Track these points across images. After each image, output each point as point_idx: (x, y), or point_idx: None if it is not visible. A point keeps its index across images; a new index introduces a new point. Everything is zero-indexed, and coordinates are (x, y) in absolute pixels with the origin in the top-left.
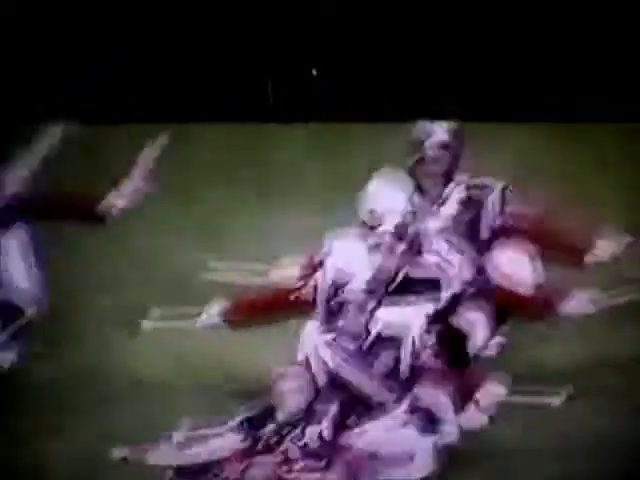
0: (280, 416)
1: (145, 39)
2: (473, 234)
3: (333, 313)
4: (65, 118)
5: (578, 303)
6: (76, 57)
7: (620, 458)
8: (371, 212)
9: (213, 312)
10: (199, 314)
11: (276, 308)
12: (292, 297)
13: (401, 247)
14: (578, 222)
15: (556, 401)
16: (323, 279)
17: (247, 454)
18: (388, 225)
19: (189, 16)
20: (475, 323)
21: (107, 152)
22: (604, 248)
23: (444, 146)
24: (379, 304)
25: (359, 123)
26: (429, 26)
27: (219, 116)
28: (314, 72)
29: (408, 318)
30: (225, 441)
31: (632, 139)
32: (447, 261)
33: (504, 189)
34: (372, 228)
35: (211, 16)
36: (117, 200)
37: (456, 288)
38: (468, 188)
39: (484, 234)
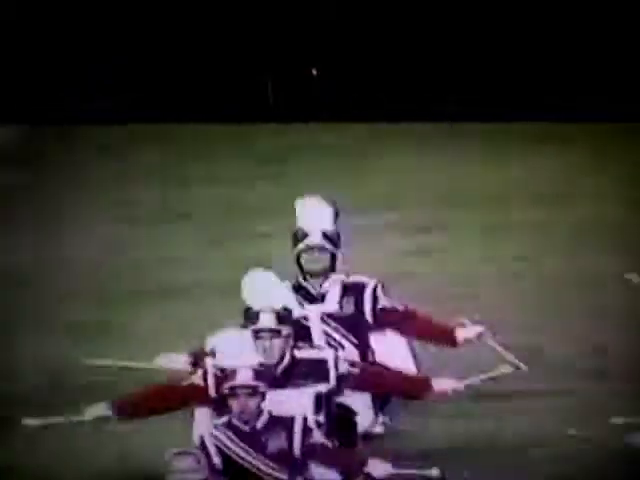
0: None
1: (145, 39)
2: (355, 322)
3: (225, 397)
4: (65, 118)
5: (449, 382)
6: (76, 57)
7: None
8: (248, 309)
9: (99, 409)
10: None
11: (169, 397)
12: (184, 383)
13: (286, 331)
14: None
15: (435, 474)
16: (211, 365)
17: None
18: (266, 320)
19: (189, 17)
20: (361, 403)
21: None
22: (470, 329)
23: (321, 248)
24: (269, 386)
25: (359, 123)
26: (429, 26)
27: (219, 116)
28: (314, 72)
29: (298, 398)
30: None
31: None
32: (334, 343)
33: (375, 286)
34: (255, 318)
35: (211, 17)
36: None
37: (342, 369)
38: (345, 285)
39: (364, 322)
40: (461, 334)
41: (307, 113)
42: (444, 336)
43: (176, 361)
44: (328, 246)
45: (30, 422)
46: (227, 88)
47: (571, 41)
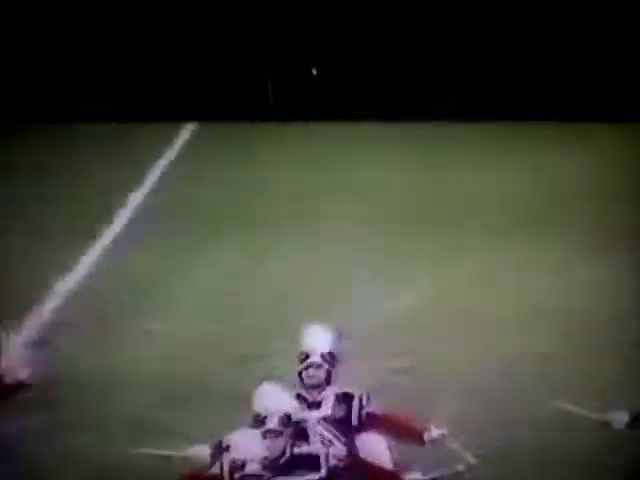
0: None
1: (145, 39)
2: (344, 424)
3: None
4: (65, 118)
5: (417, 476)
6: (76, 57)
7: None
8: (258, 415)
9: None
10: None
11: None
12: (207, 473)
13: (288, 431)
14: (413, 419)
15: None
16: (227, 458)
17: None
18: (271, 423)
19: (189, 17)
20: None
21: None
22: (435, 431)
23: (318, 366)
24: (273, 476)
25: (359, 123)
26: (429, 27)
27: (219, 116)
28: (314, 72)
29: None
30: None
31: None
32: (326, 442)
33: (361, 396)
34: (263, 421)
35: (211, 17)
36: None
37: (332, 462)
38: (337, 395)
39: (352, 425)
40: (427, 435)
41: (307, 113)
42: (414, 437)
43: (202, 452)
44: (325, 365)
45: None
46: (227, 88)
47: (572, 42)
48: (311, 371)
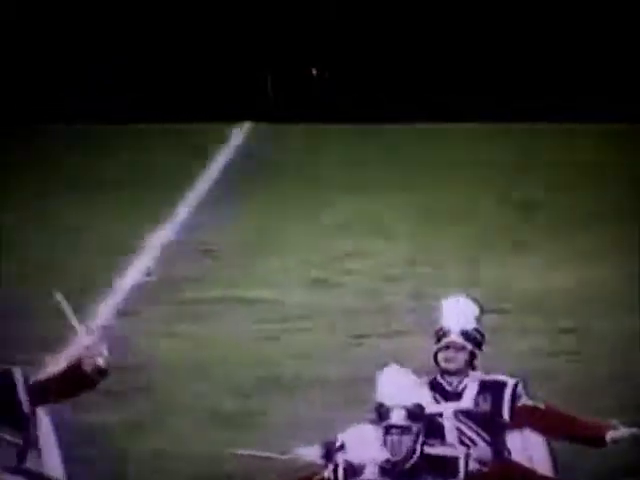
0: None
1: (145, 39)
2: (491, 420)
3: None
4: (65, 118)
5: None
6: (76, 57)
7: None
8: (380, 405)
9: None
10: None
11: None
12: (316, 478)
13: (416, 428)
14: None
15: None
16: (342, 459)
17: None
18: (397, 417)
19: (189, 17)
20: None
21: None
22: (622, 429)
23: (460, 347)
24: None
25: (359, 123)
26: (429, 27)
27: (219, 116)
28: (314, 72)
29: None
30: None
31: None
32: (467, 441)
33: (516, 384)
34: (387, 414)
35: (211, 17)
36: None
37: (472, 467)
38: (483, 383)
39: (501, 420)
40: (613, 434)
41: (307, 113)
42: (591, 435)
43: (311, 454)
44: (467, 345)
45: None
46: (227, 88)
47: (571, 43)
48: (450, 353)
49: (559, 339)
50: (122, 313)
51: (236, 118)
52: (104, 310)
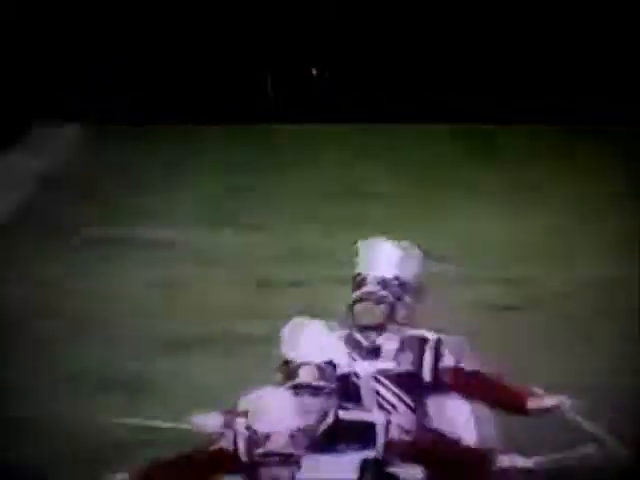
0: None
1: (145, 39)
2: (413, 381)
3: (256, 464)
4: (65, 118)
5: (517, 459)
6: (76, 57)
7: None
8: (287, 362)
9: None
10: None
11: (195, 465)
12: (212, 449)
13: (329, 388)
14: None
15: None
16: (243, 427)
17: None
18: (307, 376)
19: (189, 17)
20: (413, 475)
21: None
22: (548, 398)
23: (379, 298)
24: (307, 451)
25: (359, 123)
26: (429, 26)
27: (219, 116)
28: (314, 72)
29: (339, 466)
30: None
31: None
32: (387, 405)
33: (438, 341)
34: (295, 372)
35: (211, 17)
36: None
37: (393, 435)
38: (404, 339)
39: (423, 382)
40: (534, 403)
41: (307, 113)
42: (514, 403)
43: (209, 422)
44: (389, 296)
45: None
46: (227, 88)
47: (571, 43)
48: (368, 305)
49: (506, 291)
50: None
51: (236, 118)
52: None
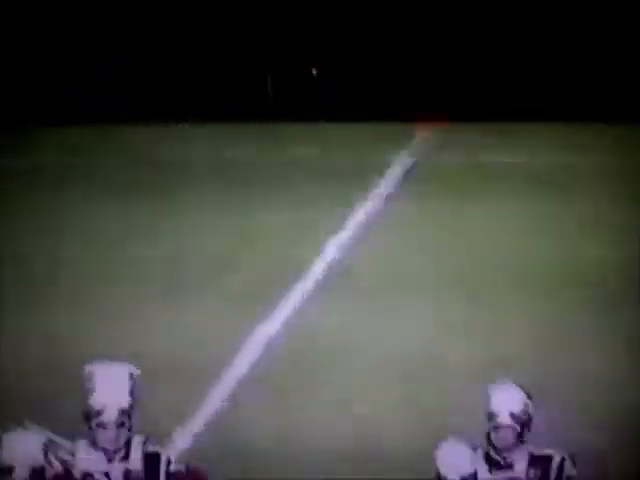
0: None
1: (145, 39)
2: None
3: None
4: (65, 118)
5: None
6: (76, 57)
7: None
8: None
9: None
10: None
11: None
12: None
13: None
14: None
15: None
16: None
17: None
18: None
19: (189, 17)
20: None
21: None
22: None
23: (515, 418)
24: None
25: (359, 123)
26: (429, 26)
27: (219, 116)
28: (314, 72)
29: None
30: None
31: None
32: None
33: (563, 460)
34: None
35: (211, 17)
36: None
37: None
38: (532, 456)
39: None
40: None
41: (307, 113)
42: None
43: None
44: (516, 426)
45: None
46: (227, 88)
47: (571, 43)
48: (501, 432)
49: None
50: None
51: (236, 118)
52: None
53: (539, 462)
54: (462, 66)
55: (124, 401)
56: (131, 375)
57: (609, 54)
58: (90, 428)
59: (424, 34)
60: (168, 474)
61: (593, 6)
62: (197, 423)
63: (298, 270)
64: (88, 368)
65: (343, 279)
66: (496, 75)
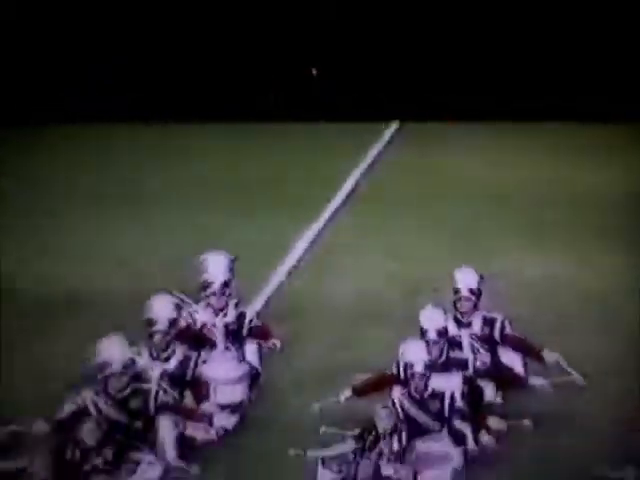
0: (380, 429)
1: (145, 39)
2: (489, 340)
3: (406, 379)
4: (65, 118)
5: (540, 380)
6: (76, 57)
7: None
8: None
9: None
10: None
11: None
12: (389, 375)
13: (443, 340)
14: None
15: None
16: (402, 362)
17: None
18: (432, 334)
19: (189, 17)
20: (487, 386)
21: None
22: (549, 354)
23: (472, 292)
24: (432, 373)
25: (359, 123)
26: (429, 26)
27: (219, 116)
28: (314, 72)
29: (450, 381)
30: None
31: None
32: (476, 350)
33: (503, 320)
34: (426, 332)
35: (211, 17)
36: None
37: (478, 364)
38: (484, 318)
39: (495, 340)
40: (545, 354)
41: (307, 113)
42: (536, 357)
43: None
44: (473, 297)
45: None
46: (227, 88)
47: (573, 43)
48: (463, 302)
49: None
50: None
51: (237, 118)
52: None
53: (488, 322)
54: (462, 66)
55: (226, 276)
56: (230, 260)
57: (609, 54)
58: (206, 295)
59: (424, 34)
60: (250, 327)
61: (593, 6)
62: (267, 292)
63: None
64: (202, 256)
65: None
66: (496, 75)
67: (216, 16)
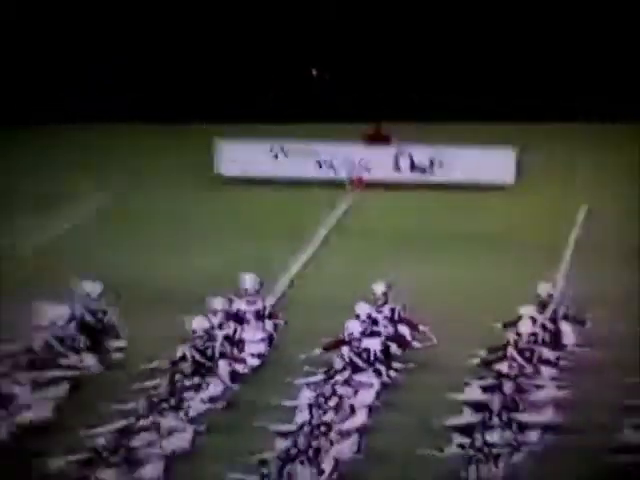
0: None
1: (145, 39)
2: (392, 319)
3: (350, 341)
4: (65, 118)
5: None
6: (76, 57)
7: None
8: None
9: None
10: None
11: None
12: (341, 339)
13: (368, 322)
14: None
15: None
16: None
17: None
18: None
19: (189, 17)
20: (392, 346)
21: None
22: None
23: (384, 294)
24: (363, 338)
25: (359, 123)
26: (429, 27)
27: (219, 116)
28: (314, 72)
29: (373, 343)
30: None
31: None
32: (385, 325)
33: (400, 309)
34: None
35: (211, 17)
36: None
37: (387, 333)
38: (390, 308)
39: (395, 319)
40: (421, 329)
41: (307, 113)
42: (416, 329)
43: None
44: (384, 297)
45: None
46: (227, 88)
47: (573, 43)
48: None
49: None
50: None
51: (236, 118)
52: None
53: (392, 310)
54: (462, 66)
55: (254, 286)
56: (256, 277)
57: (609, 54)
58: (245, 294)
59: (424, 34)
60: (269, 312)
61: (593, 6)
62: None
63: None
64: (242, 274)
65: None
66: (496, 75)
67: (216, 17)
